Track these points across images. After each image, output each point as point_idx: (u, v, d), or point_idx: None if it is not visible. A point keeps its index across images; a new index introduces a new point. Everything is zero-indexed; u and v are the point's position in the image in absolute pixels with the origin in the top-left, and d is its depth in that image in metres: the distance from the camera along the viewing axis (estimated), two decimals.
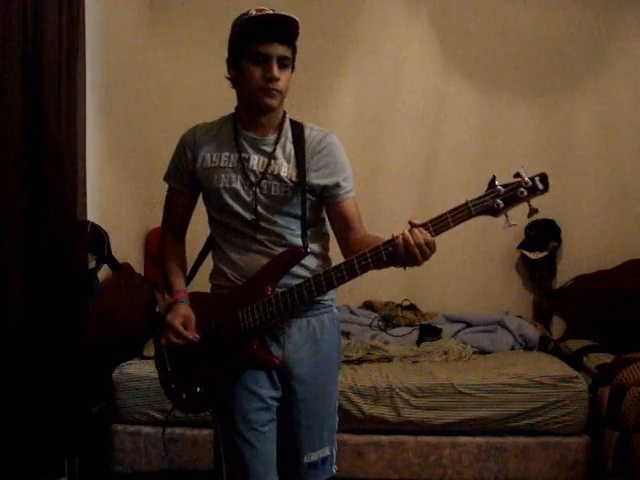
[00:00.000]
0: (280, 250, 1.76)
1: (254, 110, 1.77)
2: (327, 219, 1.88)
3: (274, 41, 1.68)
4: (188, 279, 1.95)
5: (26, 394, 2.35)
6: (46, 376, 2.43)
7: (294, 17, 1.67)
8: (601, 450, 2.80)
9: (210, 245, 1.94)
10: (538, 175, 1.55)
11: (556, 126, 3.91)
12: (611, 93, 3.88)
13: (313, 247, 1.81)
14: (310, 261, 1.79)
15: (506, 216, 1.53)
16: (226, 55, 1.80)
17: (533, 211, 1.55)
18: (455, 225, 1.53)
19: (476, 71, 3.94)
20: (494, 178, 1.54)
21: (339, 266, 1.63)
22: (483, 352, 3.35)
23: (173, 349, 1.83)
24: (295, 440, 1.82)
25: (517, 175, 1.53)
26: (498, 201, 1.51)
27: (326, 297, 1.83)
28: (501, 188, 1.52)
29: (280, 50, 1.69)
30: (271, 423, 1.80)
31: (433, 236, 1.54)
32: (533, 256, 3.82)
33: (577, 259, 3.88)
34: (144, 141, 3.80)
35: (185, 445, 2.88)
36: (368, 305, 3.91)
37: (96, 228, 2.85)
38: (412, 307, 3.86)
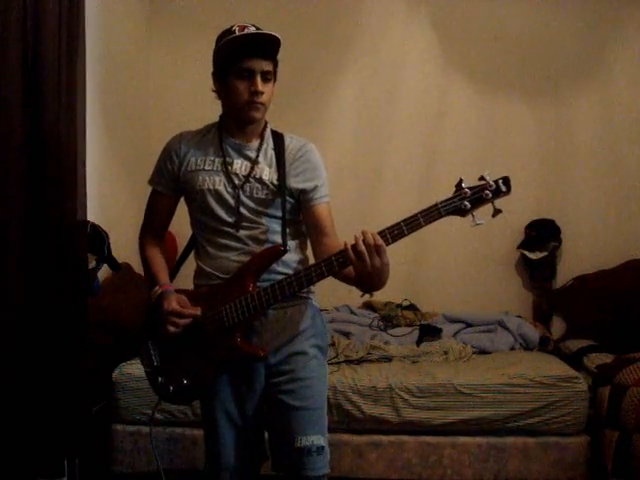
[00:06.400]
0: (260, 248, 1.86)
1: (239, 121, 1.89)
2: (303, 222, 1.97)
3: (257, 57, 1.80)
4: (170, 277, 2.02)
5: (26, 394, 2.35)
6: (46, 376, 2.43)
7: (275, 35, 1.78)
8: (601, 450, 2.80)
9: (192, 245, 2.04)
10: (501, 178, 1.64)
11: (556, 126, 3.91)
12: (611, 93, 3.88)
13: (292, 244, 1.92)
14: (288, 257, 1.89)
15: (472, 216, 1.65)
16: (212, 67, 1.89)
17: (497, 211, 1.64)
18: (426, 224, 1.65)
19: (476, 71, 3.94)
20: (461, 181, 1.64)
21: (318, 264, 1.74)
22: (483, 352, 3.35)
23: (161, 344, 1.93)
24: (286, 423, 1.87)
25: (482, 178, 1.64)
26: (465, 202, 1.63)
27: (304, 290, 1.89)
28: (468, 190, 1.63)
29: (263, 65, 1.81)
30: (250, 414, 1.92)
31: (390, 242, 1.65)
32: (533, 256, 3.82)
33: (577, 259, 3.88)
34: (144, 141, 3.80)
35: (185, 445, 2.88)
36: (368, 305, 3.91)
37: (96, 228, 2.85)
38: (412, 307, 3.86)
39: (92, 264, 2.86)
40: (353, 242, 1.65)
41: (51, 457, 2.52)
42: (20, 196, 2.31)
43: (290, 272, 1.86)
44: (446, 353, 3.26)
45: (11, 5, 2.21)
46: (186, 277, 2.05)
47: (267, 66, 1.82)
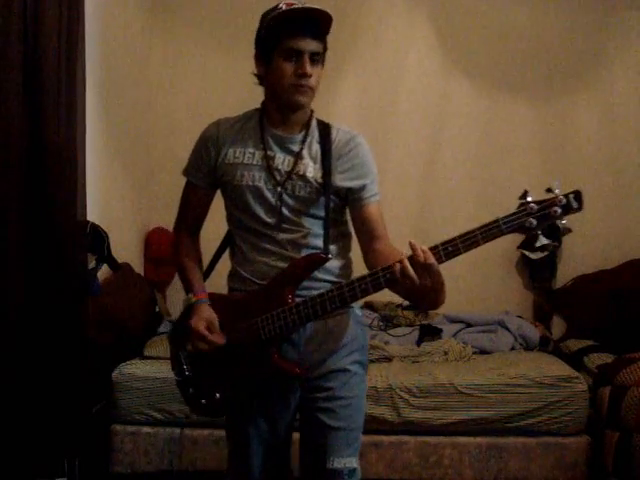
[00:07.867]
0: (300, 253, 1.71)
1: (283, 107, 1.73)
2: (350, 223, 1.81)
3: (306, 36, 1.63)
4: (204, 276, 1.89)
5: (26, 394, 2.35)
6: (46, 376, 2.43)
7: (327, 11, 1.62)
8: (601, 450, 2.80)
9: (227, 242, 1.89)
10: (572, 192, 1.43)
11: (557, 125, 3.91)
12: (611, 92, 3.88)
13: (333, 248, 1.75)
14: (330, 263, 1.72)
15: (537, 236, 1.46)
16: (254, 51, 1.74)
17: (566, 230, 1.46)
18: (484, 242, 1.45)
19: (477, 70, 3.94)
20: (526, 193, 1.44)
21: (364, 279, 1.57)
22: (483, 352, 3.34)
23: (193, 354, 1.79)
24: (320, 443, 1.74)
25: (549, 191, 1.43)
26: (531, 219, 1.43)
27: None
28: (534, 205, 1.42)
29: (312, 46, 1.65)
30: (281, 431, 1.81)
31: (443, 260, 1.49)
32: (533, 256, 3.81)
33: (577, 259, 3.87)
34: (144, 141, 3.80)
35: (185, 445, 2.88)
36: (368, 305, 3.91)
37: (96, 228, 2.85)
38: (412, 307, 3.86)
39: (92, 264, 2.86)
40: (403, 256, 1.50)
41: (51, 457, 2.52)
42: (20, 196, 2.31)
43: (332, 278, 1.73)
44: (446, 353, 3.25)
45: (11, 5, 2.21)
46: (220, 275, 1.90)
47: (317, 47, 1.65)
